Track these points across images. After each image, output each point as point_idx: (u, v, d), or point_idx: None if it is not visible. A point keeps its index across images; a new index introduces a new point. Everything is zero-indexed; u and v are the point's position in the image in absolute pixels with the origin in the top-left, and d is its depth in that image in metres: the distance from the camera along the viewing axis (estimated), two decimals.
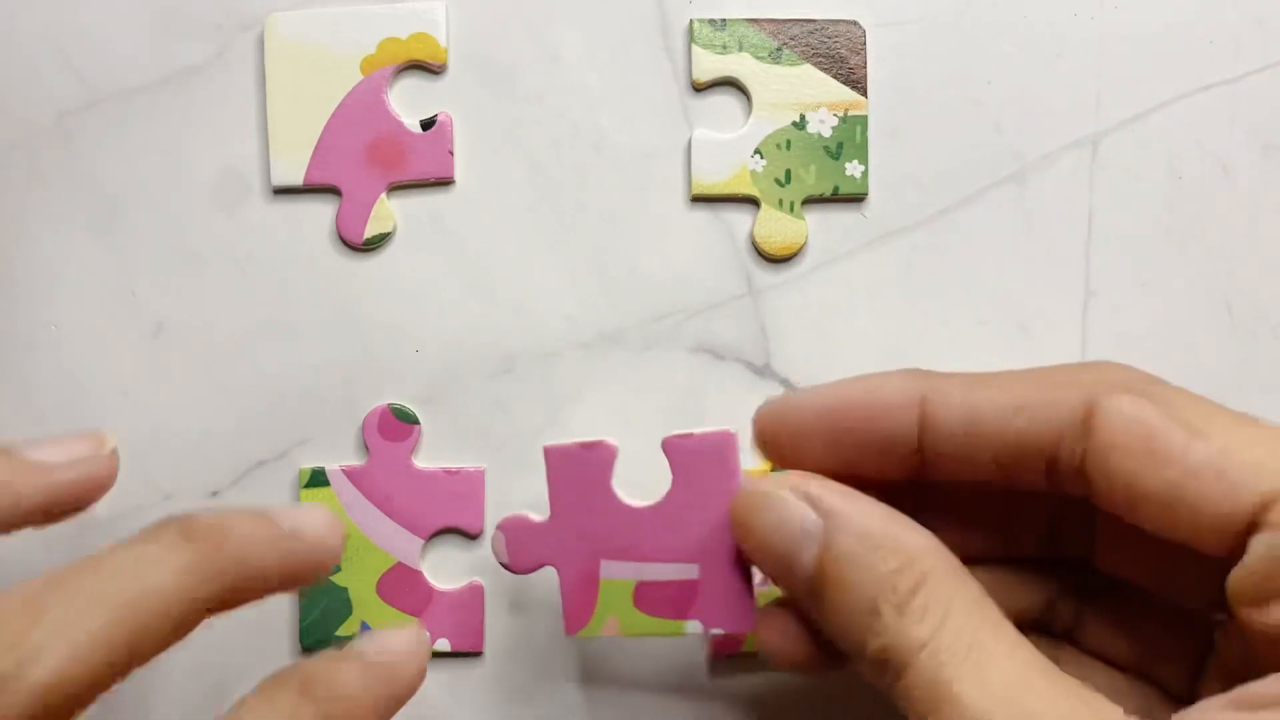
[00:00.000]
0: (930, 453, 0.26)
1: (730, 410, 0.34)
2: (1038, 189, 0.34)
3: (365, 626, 0.33)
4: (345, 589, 0.33)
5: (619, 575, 0.30)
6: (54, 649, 0.21)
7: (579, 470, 0.30)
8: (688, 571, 0.30)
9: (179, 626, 0.23)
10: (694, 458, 0.30)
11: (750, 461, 0.33)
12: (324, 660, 0.26)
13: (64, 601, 0.22)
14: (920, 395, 0.26)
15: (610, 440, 0.30)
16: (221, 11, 0.34)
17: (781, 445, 0.28)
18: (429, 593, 0.33)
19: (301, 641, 0.33)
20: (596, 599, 0.30)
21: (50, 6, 0.34)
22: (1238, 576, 0.22)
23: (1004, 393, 0.25)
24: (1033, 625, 0.28)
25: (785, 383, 0.34)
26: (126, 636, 0.22)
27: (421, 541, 0.33)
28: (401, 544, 0.33)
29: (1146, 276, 0.34)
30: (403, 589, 0.33)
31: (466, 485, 0.33)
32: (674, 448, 0.30)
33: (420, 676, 0.27)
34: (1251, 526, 0.21)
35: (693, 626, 0.30)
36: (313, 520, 0.27)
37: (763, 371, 0.34)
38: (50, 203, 0.34)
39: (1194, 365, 0.34)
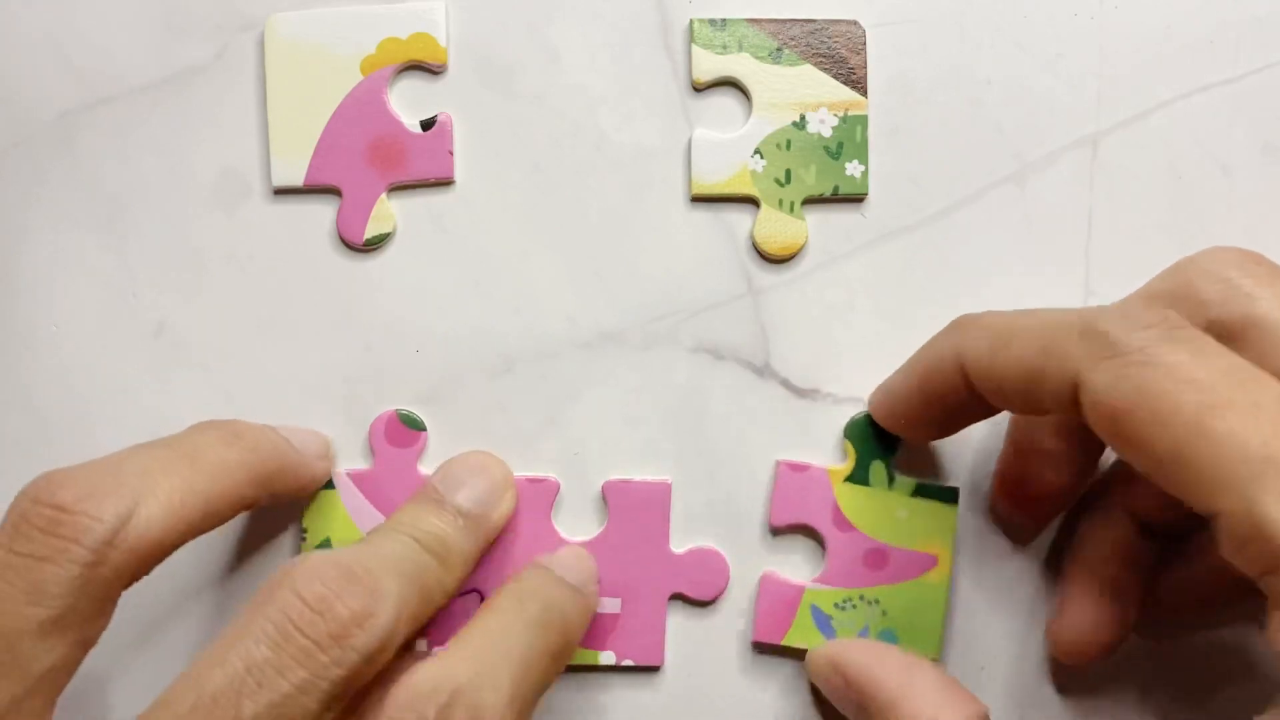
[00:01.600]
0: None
1: (730, 410, 0.34)
2: (1038, 189, 0.34)
3: None
4: None
5: None
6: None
7: (522, 502, 0.33)
8: (610, 605, 0.33)
9: None
10: (631, 502, 0.33)
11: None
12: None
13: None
14: (959, 359, 0.28)
15: (553, 477, 0.33)
16: (221, 11, 0.34)
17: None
18: None
19: None
20: None
21: (50, 6, 0.34)
22: None
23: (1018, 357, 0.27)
24: None
25: (785, 383, 0.34)
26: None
27: None
28: None
29: (1146, 277, 0.34)
30: None
31: None
32: (614, 491, 0.33)
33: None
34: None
35: (606, 657, 0.33)
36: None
37: (763, 371, 0.34)
38: (51, 202, 0.34)
39: None
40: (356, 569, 0.26)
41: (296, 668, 0.24)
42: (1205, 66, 0.34)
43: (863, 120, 0.34)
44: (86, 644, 0.25)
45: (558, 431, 0.34)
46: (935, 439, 0.33)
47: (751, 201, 0.34)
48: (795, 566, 0.33)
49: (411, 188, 0.34)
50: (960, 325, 0.29)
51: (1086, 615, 0.31)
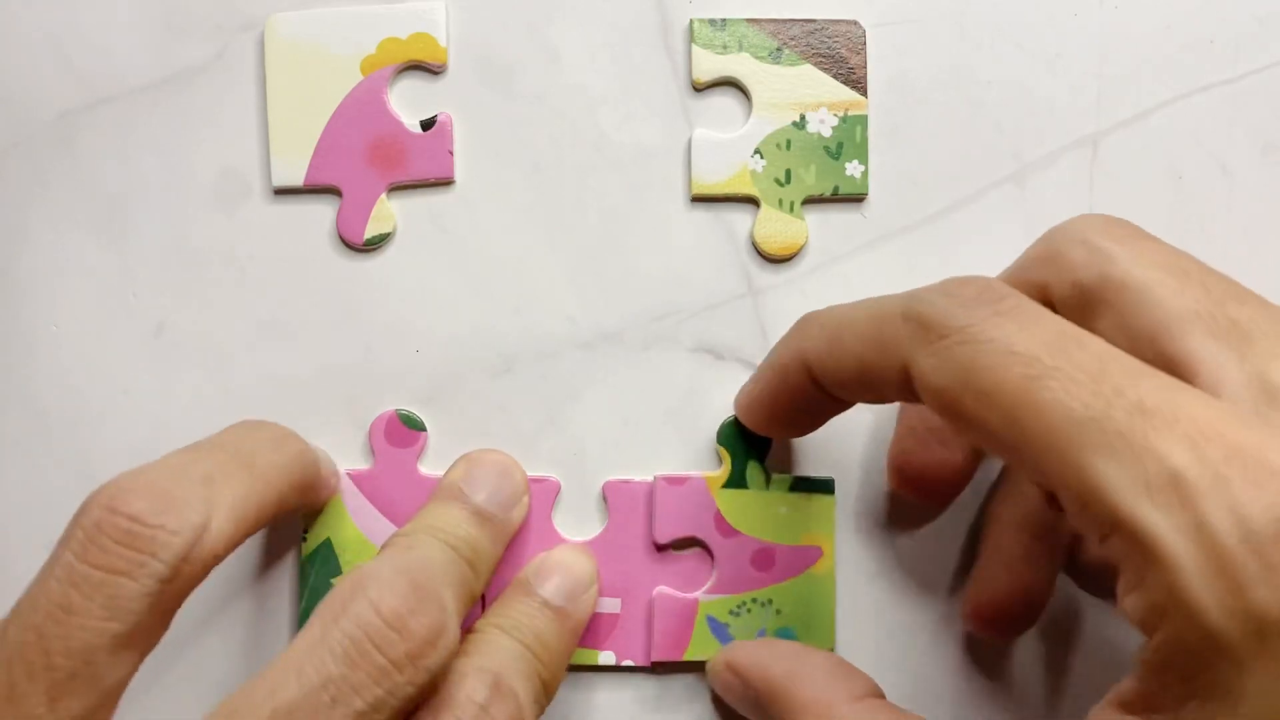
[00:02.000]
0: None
1: (730, 410, 0.34)
2: (1038, 189, 0.34)
3: None
4: None
5: None
6: None
7: None
8: (610, 605, 0.33)
9: None
10: (631, 502, 0.33)
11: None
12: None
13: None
14: (802, 359, 0.28)
15: (553, 477, 0.33)
16: (221, 11, 0.34)
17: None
18: None
19: None
20: None
21: (50, 6, 0.34)
22: None
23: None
24: None
25: None
26: None
27: None
28: None
29: None
30: None
31: None
32: (614, 491, 0.33)
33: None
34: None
35: (606, 657, 0.33)
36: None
37: None
38: (51, 203, 0.34)
39: None
40: (425, 583, 0.25)
41: (372, 685, 0.24)
42: (1205, 66, 0.34)
43: (863, 120, 0.34)
44: (146, 655, 0.25)
45: (558, 431, 0.34)
46: (802, 435, 0.33)
47: (751, 201, 0.34)
48: (687, 580, 0.33)
49: (411, 188, 0.34)
50: (801, 324, 0.29)
51: (998, 588, 0.31)
